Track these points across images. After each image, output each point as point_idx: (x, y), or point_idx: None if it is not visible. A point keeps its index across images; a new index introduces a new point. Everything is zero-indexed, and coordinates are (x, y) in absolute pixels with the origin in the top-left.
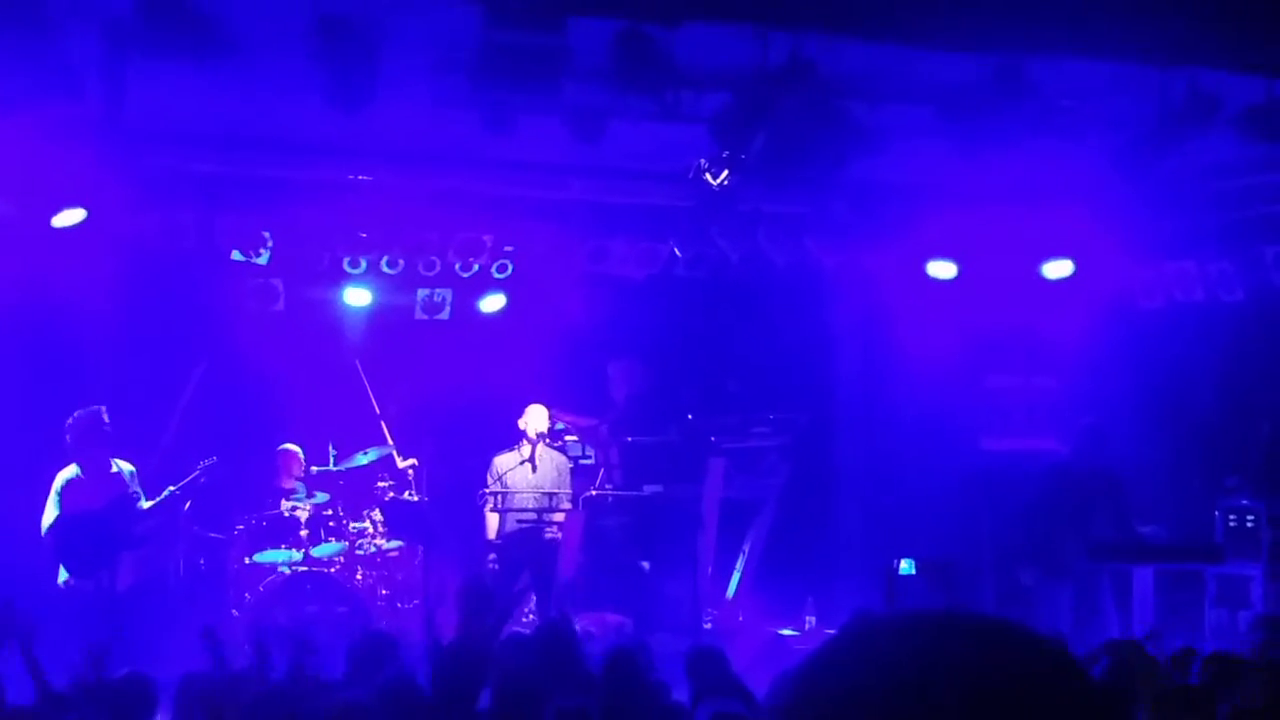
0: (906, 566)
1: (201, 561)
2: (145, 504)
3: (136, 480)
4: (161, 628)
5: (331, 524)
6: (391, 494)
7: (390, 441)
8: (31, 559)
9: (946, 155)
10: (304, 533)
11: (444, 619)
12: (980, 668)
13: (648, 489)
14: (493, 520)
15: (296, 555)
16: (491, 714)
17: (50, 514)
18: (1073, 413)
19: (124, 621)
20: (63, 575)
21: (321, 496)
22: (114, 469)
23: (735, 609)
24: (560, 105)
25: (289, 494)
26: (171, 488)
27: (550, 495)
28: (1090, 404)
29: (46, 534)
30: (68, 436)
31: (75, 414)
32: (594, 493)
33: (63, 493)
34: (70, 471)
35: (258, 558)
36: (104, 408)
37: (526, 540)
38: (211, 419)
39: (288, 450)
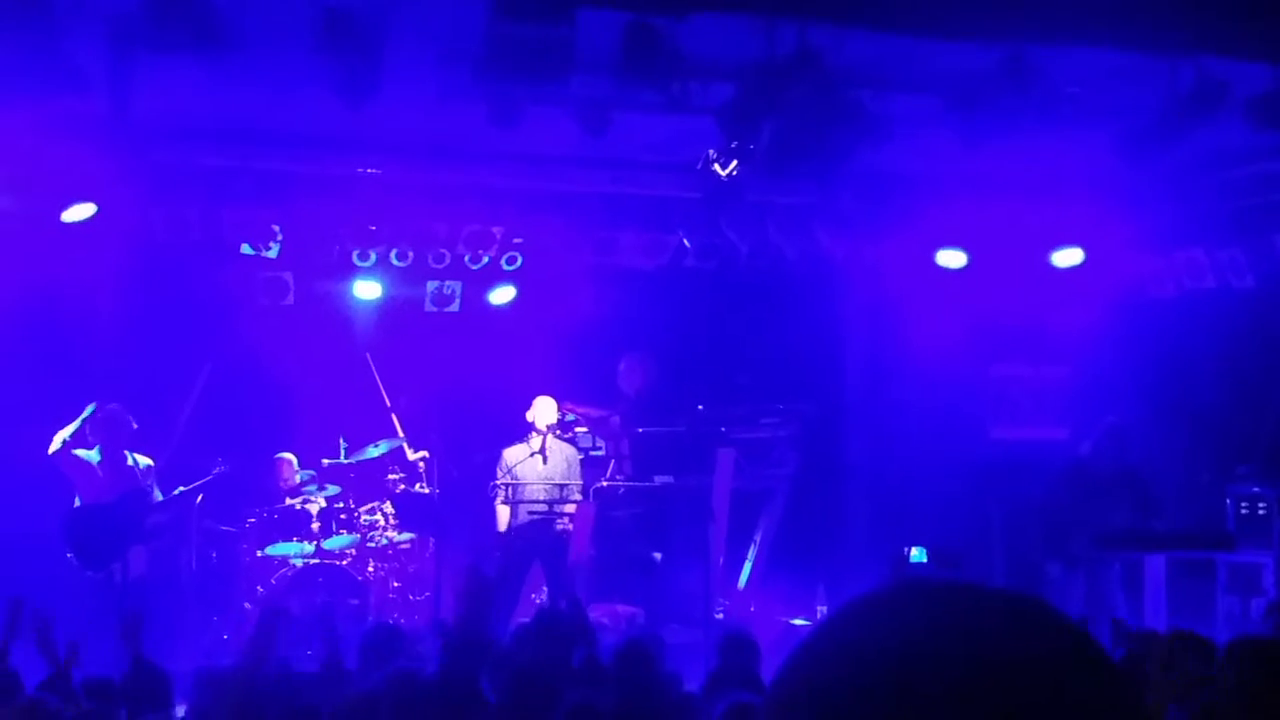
0: (917, 554)
1: (214, 555)
2: (158, 496)
3: (153, 474)
4: (175, 620)
5: (343, 516)
6: (402, 486)
7: (401, 434)
8: (44, 549)
9: (955, 145)
10: (315, 525)
11: (448, 609)
12: (990, 637)
13: (658, 480)
14: (503, 512)
15: (308, 548)
16: (503, 706)
17: (60, 438)
18: (1086, 404)
19: (136, 612)
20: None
21: (333, 489)
22: (130, 462)
23: (747, 599)
24: (567, 97)
25: (294, 492)
26: (181, 488)
27: (561, 487)
28: (1102, 394)
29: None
30: (87, 428)
31: (103, 407)
32: (604, 484)
33: (76, 461)
34: (88, 453)
35: (270, 550)
36: (131, 416)
37: (537, 532)
38: (222, 413)
39: (282, 459)
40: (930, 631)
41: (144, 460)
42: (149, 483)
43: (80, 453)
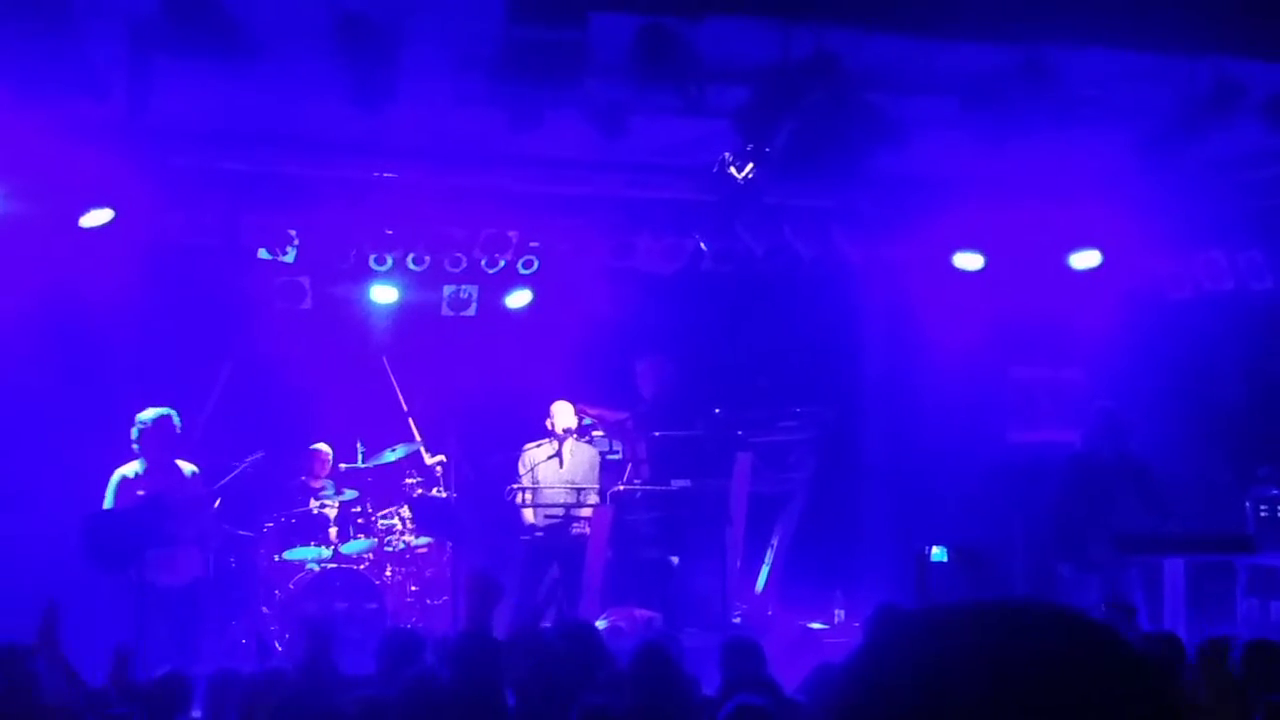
0: (939, 553)
1: (232, 560)
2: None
3: (200, 481)
4: (192, 625)
5: (360, 521)
6: (420, 490)
7: (418, 438)
8: (62, 554)
9: (972, 146)
10: (333, 530)
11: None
12: (1063, 659)
13: (675, 484)
14: (528, 515)
15: (326, 552)
16: (518, 711)
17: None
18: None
19: (157, 618)
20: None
21: (350, 493)
22: (177, 469)
23: (764, 603)
24: (583, 101)
25: (318, 492)
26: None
27: (579, 490)
28: (1120, 396)
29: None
30: (136, 433)
31: (149, 416)
32: (622, 487)
33: (120, 488)
34: (132, 468)
35: (287, 555)
36: (175, 412)
37: (554, 535)
38: (239, 417)
39: (318, 450)
40: (996, 654)
41: (189, 467)
42: (194, 489)
43: (121, 472)
